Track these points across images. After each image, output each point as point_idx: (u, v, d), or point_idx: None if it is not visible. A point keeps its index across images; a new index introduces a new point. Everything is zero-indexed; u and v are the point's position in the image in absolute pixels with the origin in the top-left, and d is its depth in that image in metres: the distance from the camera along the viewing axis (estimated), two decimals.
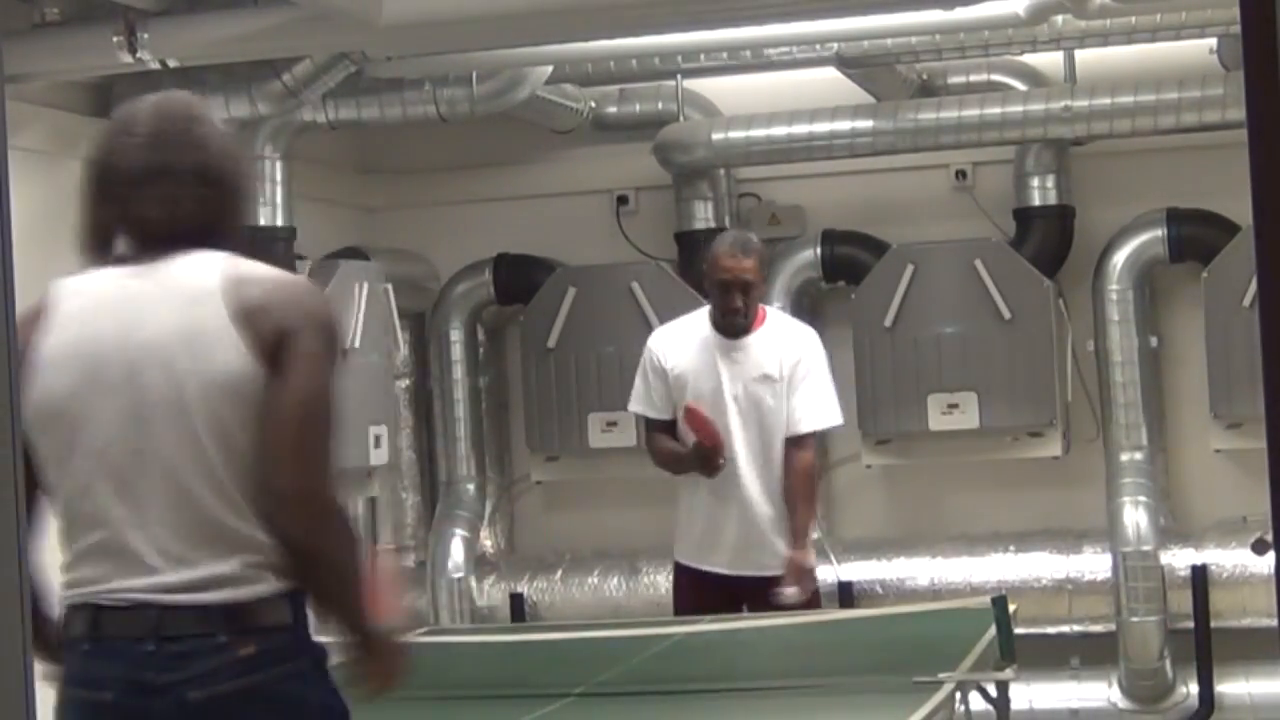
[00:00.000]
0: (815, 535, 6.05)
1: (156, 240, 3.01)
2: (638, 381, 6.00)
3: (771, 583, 5.66)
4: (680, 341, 5.92)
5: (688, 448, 5.75)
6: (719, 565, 5.81)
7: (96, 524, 2.93)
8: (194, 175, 3.05)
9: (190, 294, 2.96)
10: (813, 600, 5.85)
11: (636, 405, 6.01)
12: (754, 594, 5.71)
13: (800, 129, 7.65)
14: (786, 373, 5.80)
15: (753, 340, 5.83)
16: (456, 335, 8.15)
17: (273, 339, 2.91)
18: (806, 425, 5.84)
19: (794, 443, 5.83)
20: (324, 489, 2.93)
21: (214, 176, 3.07)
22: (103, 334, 2.97)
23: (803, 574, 5.74)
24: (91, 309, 3.01)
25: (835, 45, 7.18)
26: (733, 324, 5.81)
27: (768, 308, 6.08)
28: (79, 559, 2.97)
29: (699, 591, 5.82)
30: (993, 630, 4.61)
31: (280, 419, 2.90)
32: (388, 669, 3.14)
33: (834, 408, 5.94)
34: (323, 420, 2.93)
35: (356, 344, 7.11)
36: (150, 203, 3.02)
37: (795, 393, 5.81)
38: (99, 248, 3.06)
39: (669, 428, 5.90)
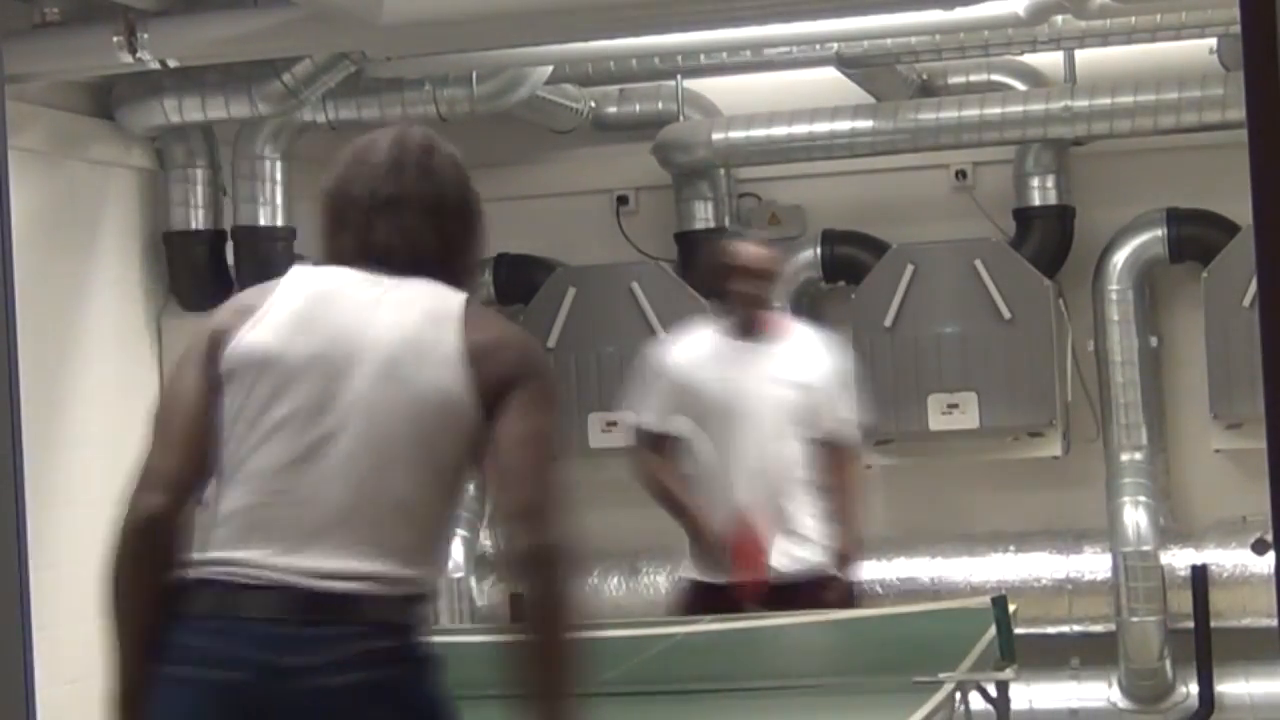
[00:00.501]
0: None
1: (391, 268, 3.04)
2: (640, 391, 5.77)
3: (775, 587, 5.63)
4: (693, 348, 5.73)
5: (685, 493, 5.65)
6: (723, 575, 5.65)
7: (259, 490, 2.91)
8: (430, 206, 3.09)
9: (430, 312, 2.98)
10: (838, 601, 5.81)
11: (641, 416, 5.74)
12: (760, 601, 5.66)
13: (800, 129, 7.65)
14: (817, 382, 5.68)
15: (774, 345, 5.70)
16: None
17: (494, 386, 2.94)
18: (850, 436, 5.77)
19: (839, 454, 5.74)
20: (559, 524, 2.91)
21: (450, 208, 3.12)
22: (331, 316, 2.99)
23: (847, 564, 5.73)
24: (328, 293, 3.03)
25: (835, 45, 7.18)
26: (745, 316, 5.66)
27: (788, 318, 5.93)
28: (225, 521, 2.93)
29: (706, 607, 5.61)
30: (993, 630, 4.61)
31: (509, 452, 2.93)
32: None
33: (855, 416, 5.85)
34: (549, 463, 2.95)
35: None
36: (387, 231, 3.05)
37: (835, 403, 5.71)
38: (345, 263, 3.10)
39: (659, 444, 5.70)
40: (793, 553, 5.69)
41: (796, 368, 5.69)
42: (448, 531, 3.09)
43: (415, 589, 2.95)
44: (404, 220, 3.06)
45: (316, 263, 3.16)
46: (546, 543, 2.88)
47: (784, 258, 5.94)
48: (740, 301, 5.68)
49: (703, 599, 5.68)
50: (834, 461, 5.74)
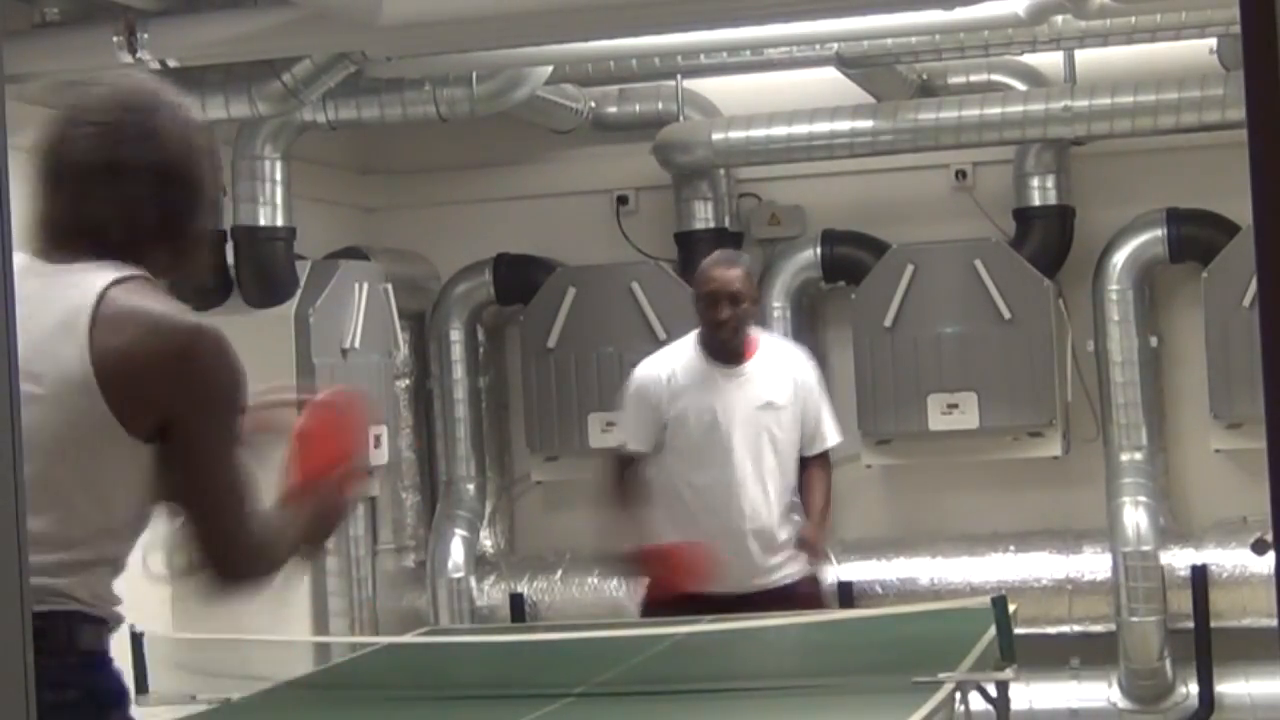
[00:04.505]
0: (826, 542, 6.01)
1: (102, 244, 2.72)
2: (628, 415, 5.75)
3: (751, 599, 5.61)
4: (673, 372, 5.69)
5: (635, 524, 5.62)
6: (706, 585, 5.57)
7: None
8: (151, 174, 2.76)
9: (65, 315, 2.64)
10: (814, 597, 5.81)
11: (632, 441, 5.71)
12: (737, 609, 5.64)
13: (800, 129, 7.65)
14: (794, 398, 5.70)
15: (752, 367, 5.68)
16: (456, 335, 8.16)
17: (143, 413, 2.64)
18: (824, 443, 5.81)
19: (814, 461, 5.80)
20: (256, 576, 2.83)
21: (173, 175, 2.79)
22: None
23: (814, 551, 5.73)
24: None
25: (835, 45, 7.18)
26: (722, 341, 5.63)
27: (761, 334, 5.90)
28: None
29: (674, 609, 5.55)
30: (993, 630, 4.61)
31: (189, 505, 2.73)
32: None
33: (836, 425, 5.93)
34: (232, 501, 2.74)
35: (356, 344, 7.12)
36: (100, 202, 2.74)
37: (810, 416, 5.75)
38: (47, 242, 2.78)
39: (631, 464, 5.69)
40: (768, 565, 5.68)
41: (769, 388, 5.69)
42: (110, 557, 2.77)
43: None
44: (119, 190, 2.74)
45: (30, 232, 2.81)
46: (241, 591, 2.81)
47: (755, 283, 5.82)
48: (706, 321, 5.67)
49: (670, 600, 5.63)
50: (808, 471, 5.79)
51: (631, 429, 5.75)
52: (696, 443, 5.64)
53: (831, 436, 5.85)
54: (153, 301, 2.70)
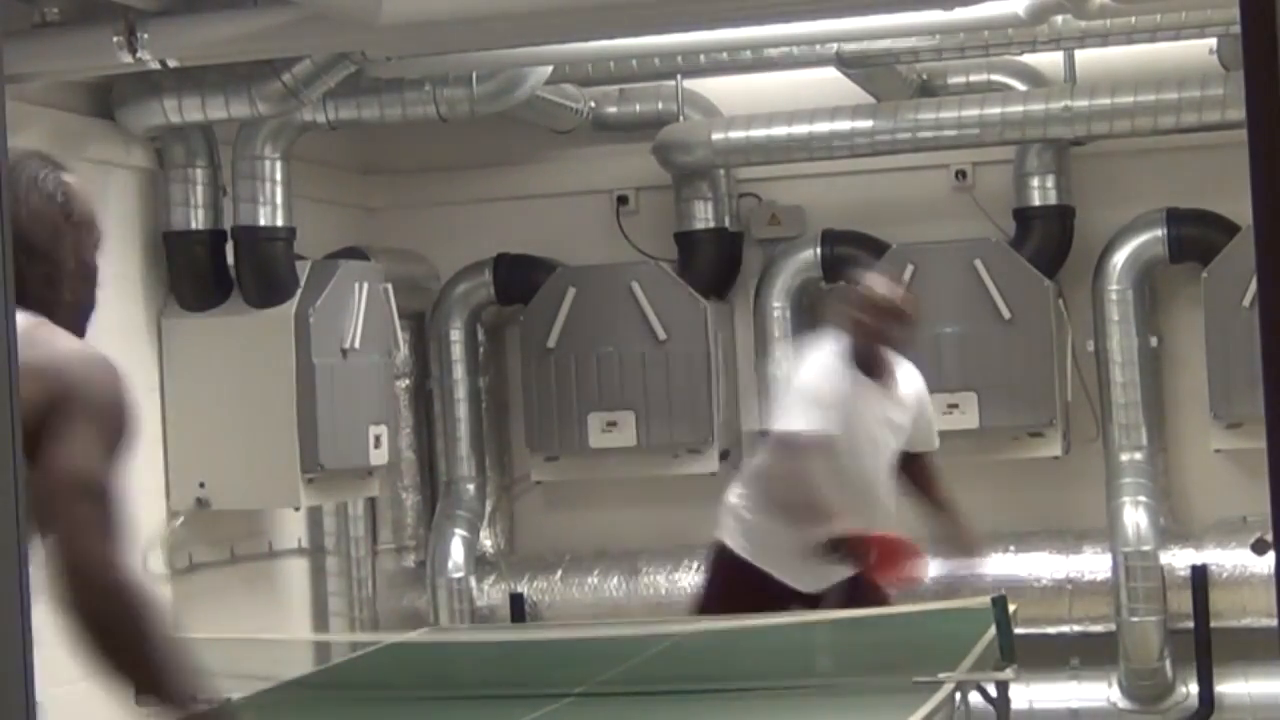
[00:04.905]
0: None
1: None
2: (812, 405, 5.68)
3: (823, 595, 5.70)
4: (842, 380, 5.77)
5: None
6: (796, 581, 5.72)
7: None
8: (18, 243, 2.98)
9: None
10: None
11: (798, 422, 5.66)
12: (810, 600, 5.70)
13: (800, 129, 7.65)
14: (913, 423, 5.92)
15: (887, 385, 5.84)
16: (456, 335, 8.15)
17: (31, 420, 2.74)
18: (936, 443, 6.09)
19: (926, 464, 6.04)
20: (105, 564, 2.80)
21: (25, 245, 2.88)
22: None
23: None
24: None
25: (835, 45, 7.18)
26: (876, 356, 5.78)
27: (897, 357, 5.96)
28: None
29: (752, 589, 5.66)
30: (993, 630, 4.61)
31: (51, 497, 2.78)
32: None
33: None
34: (95, 496, 2.80)
35: (356, 344, 7.12)
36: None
37: (924, 420, 6.00)
38: None
39: (809, 451, 5.65)
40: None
41: (902, 410, 5.88)
42: None
43: None
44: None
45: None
46: (93, 608, 2.79)
47: (916, 301, 6.04)
48: (873, 338, 5.79)
49: (753, 581, 5.69)
50: (921, 470, 6.01)
51: (802, 411, 5.71)
52: (851, 450, 5.71)
53: (936, 438, 6.12)
54: (63, 337, 2.89)
